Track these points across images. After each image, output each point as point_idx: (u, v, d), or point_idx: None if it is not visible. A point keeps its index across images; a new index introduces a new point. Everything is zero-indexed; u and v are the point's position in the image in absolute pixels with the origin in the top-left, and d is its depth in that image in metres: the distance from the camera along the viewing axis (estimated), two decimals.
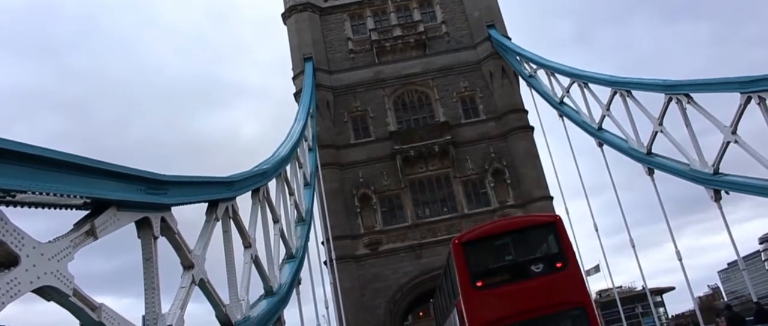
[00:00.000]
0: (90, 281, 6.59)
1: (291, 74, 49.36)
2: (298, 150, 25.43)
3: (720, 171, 23.07)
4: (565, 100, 36.21)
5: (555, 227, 17.26)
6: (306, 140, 29.61)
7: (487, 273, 16.82)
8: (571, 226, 41.71)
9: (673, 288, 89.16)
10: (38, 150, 6.21)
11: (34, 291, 5.95)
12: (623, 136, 29.64)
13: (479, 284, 16.44)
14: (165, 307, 8.59)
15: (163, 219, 8.79)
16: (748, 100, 20.86)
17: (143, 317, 8.14)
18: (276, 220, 18.23)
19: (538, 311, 15.78)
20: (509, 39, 48.00)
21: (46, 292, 6.12)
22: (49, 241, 6.31)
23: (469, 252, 16.93)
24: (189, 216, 10.03)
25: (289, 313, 17.88)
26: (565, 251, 16.85)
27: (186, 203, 10.10)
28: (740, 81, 21.10)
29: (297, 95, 45.95)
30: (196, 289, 9.79)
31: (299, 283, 20.92)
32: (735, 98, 21.47)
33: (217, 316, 11.00)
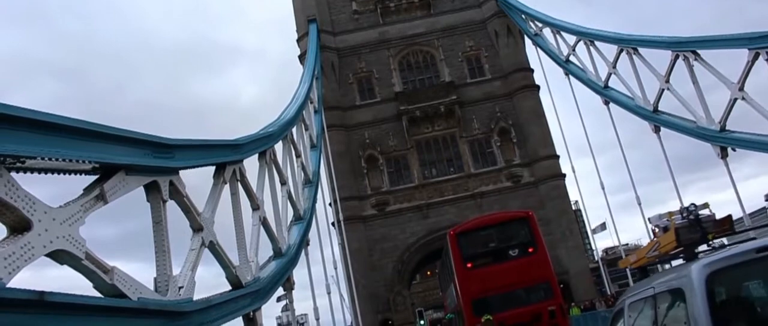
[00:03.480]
0: (96, 246, 6.68)
1: (291, 36, 49.22)
2: (304, 112, 25.41)
3: (726, 128, 23.00)
4: (571, 58, 35.99)
5: (528, 221, 21.39)
6: (311, 102, 29.58)
7: (475, 257, 20.87)
8: (577, 184, 42.00)
9: None
10: (47, 116, 6.25)
11: (47, 255, 6.05)
12: (629, 94, 29.51)
13: (469, 265, 20.58)
14: (175, 270, 8.72)
15: (171, 183, 8.85)
16: (756, 57, 20.68)
17: (155, 279, 8.27)
18: (283, 182, 18.32)
19: (514, 285, 19.87)
20: None
21: (59, 256, 6.22)
22: (60, 206, 6.39)
23: (461, 241, 21.12)
24: (194, 182, 10.10)
25: (299, 274, 18.11)
26: (535, 239, 20.91)
27: (193, 166, 10.17)
28: (748, 37, 20.90)
29: (302, 57, 45.77)
30: (206, 253, 9.90)
31: (308, 244, 21.10)
32: (742, 54, 21.31)
33: (227, 277, 11.14)
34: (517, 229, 21.62)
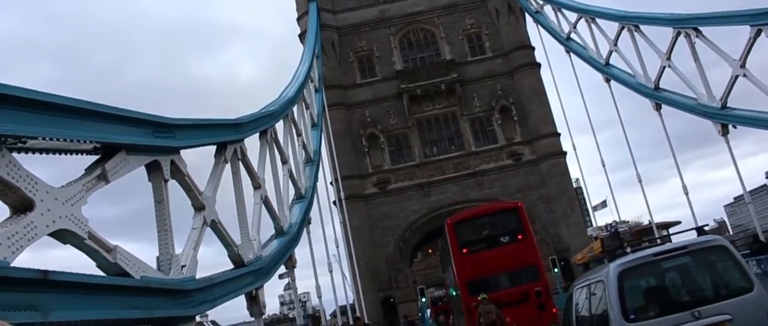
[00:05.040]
0: (98, 226, 6.71)
1: (288, 14, 49.34)
2: (305, 91, 25.35)
3: (728, 105, 22.97)
4: (572, 35, 35.84)
5: (517, 211, 23.57)
6: (312, 81, 29.49)
7: (471, 244, 22.91)
8: (578, 162, 42.11)
9: (679, 222, 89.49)
10: (48, 96, 6.26)
11: (50, 235, 6.09)
12: (631, 72, 29.45)
13: (465, 251, 22.61)
14: (177, 249, 8.76)
15: (172, 162, 8.87)
16: (758, 33, 20.61)
17: (157, 258, 8.32)
18: (284, 161, 18.34)
19: (505, 268, 21.95)
20: None
21: (62, 235, 6.26)
22: (62, 186, 6.42)
23: (458, 229, 23.33)
24: (195, 161, 10.10)
25: (300, 252, 18.18)
26: (524, 228, 22.94)
27: (194, 146, 10.18)
28: (750, 13, 20.80)
29: (302, 36, 45.61)
30: (207, 233, 9.93)
31: (309, 223, 21.17)
32: (744, 31, 21.24)
33: (229, 256, 11.19)
34: (507, 219, 23.75)
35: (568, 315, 9.95)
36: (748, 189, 26.52)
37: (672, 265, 8.40)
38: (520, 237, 22.79)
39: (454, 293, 27.35)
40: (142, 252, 7.57)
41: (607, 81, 32.03)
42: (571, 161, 50.38)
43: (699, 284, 8.49)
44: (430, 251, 67.02)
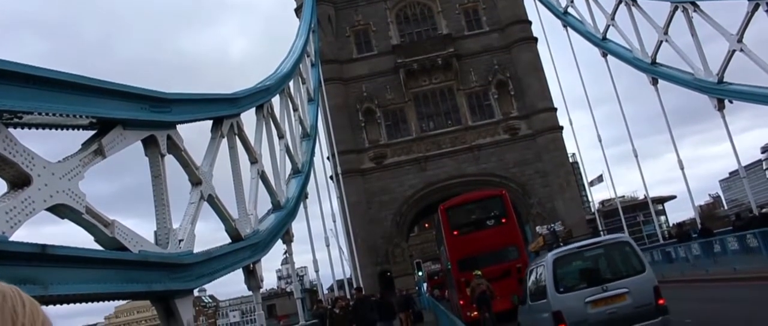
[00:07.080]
0: (94, 202, 6.71)
1: None
2: (301, 65, 25.26)
3: (724, 80, 22.97)
4: (569, 9, 35.70)
5: (502, 198, 26.15)
6: (308, 55, 29.35)
7: (461, 226, 25.30)
8: (575, 137, 42.02)
9: (674, 197, 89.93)
10: (44, 71, 6.25)
11: (48, 210, 6.11)
12: (628, 46, 29.38)
13: (455, 233, 24.97)
14: (175, 224, 8.78)
15: (169, 137, 8.87)
16: (756, 7, 20.56)
17: (155, 233, 8.35)
18: (281, 136, 18.32)
19: (490, 248, 24.07)
20: None
21: (60, 210, 6.28)
22: (59, 161, 6.43)
23: (449, 213, 25.67)
24: (191, 137, 10.09)
25: (297, 227, 18.25)
26: (507, 212, 25.39)
27: (191, 120, 10.17)
28: None
29: (298, 10, 45.30)
30: (203, 209, 9.95)
31: (306, 197, 21.22)
32: (742, 5, 21.17)
33: (226, 230, 11.24)
34: (493, 204, 26.24)
35: (524, 288, 12.89)
36: (743, 164, 26.63)
37: (591, 255, 11.57)
38: (503, 220, 25.06)
39: (449, 266, 28.31)
40: (139, 227, 7.61)
41: (604, 55, 31.99)
42: (567, 136, 50.40)
43: (608, 267, 11.48)
44: (426, 225, 67.23)
